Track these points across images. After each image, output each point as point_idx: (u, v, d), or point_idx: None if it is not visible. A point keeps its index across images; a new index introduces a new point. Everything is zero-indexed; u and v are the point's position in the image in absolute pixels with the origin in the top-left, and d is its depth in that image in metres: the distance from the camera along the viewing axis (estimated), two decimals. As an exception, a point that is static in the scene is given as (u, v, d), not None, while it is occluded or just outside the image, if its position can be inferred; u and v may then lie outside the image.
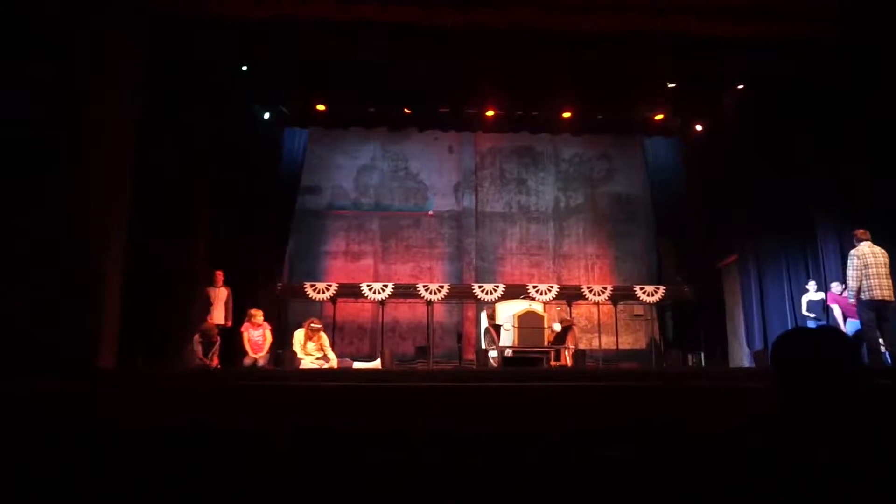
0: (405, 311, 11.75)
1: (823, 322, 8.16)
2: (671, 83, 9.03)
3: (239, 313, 8.72)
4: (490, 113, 9.98)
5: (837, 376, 1.46)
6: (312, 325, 8.40)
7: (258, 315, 8.45)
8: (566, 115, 10.03)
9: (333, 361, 8.41)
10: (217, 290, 8.54)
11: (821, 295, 8.47)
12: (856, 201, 7.98)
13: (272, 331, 8.63)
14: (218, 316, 8.42)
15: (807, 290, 8.50)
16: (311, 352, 8.34)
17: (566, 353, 8.95)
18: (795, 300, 8.72)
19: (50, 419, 2.47)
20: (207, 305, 8.41)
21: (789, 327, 7.35)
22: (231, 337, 8.45)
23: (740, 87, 9.06)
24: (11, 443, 2.21)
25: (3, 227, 5.27)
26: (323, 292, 10.12)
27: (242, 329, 8.40)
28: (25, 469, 2.00)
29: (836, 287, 7.95)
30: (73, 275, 5.55)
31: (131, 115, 6.57)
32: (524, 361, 8.31)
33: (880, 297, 6.49)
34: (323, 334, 8.51)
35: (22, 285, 5.22)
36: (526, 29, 7.40)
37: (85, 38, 5.92)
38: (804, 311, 8.43)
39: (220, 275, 8.57)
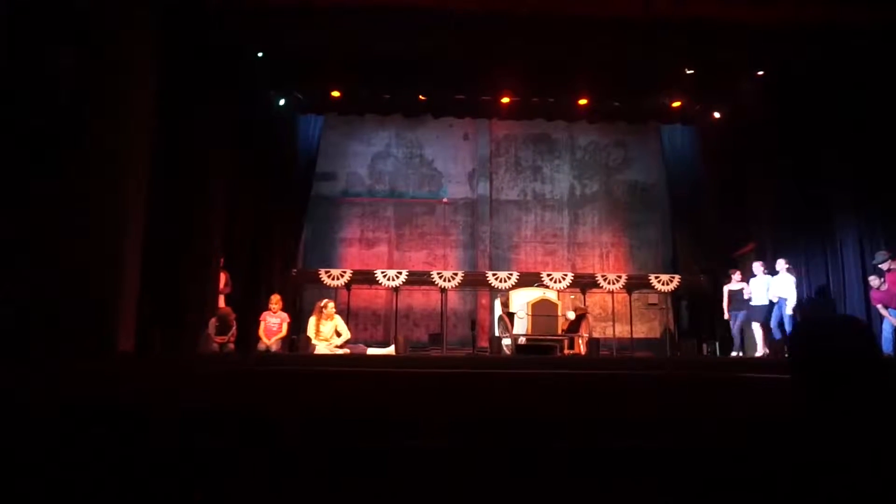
0: (419, 299, 11.78)
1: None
2: (689, 69, 8.90)
3: (254, 299, 8.80)
4: (505, 100, 9.92)
5: (856, 368, 1.43)
6: (321, 305, 8.52)
7: (274, 302, 8.55)
8: (582, 102, 9.94)
9: (346, 335, 8.54)
10: None
11: (742, 286, 8.74)
12: (877, 194, 7.83)
13: (289, 323, 8.67)
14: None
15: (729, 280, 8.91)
16: (326, 336, 8.42)
17: (580, 341, 8.93)
18: (813, 290, 8.63)
19: (69, 400, 2.52)
20: (225, 290, 8.51)
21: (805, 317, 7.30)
22: (244, 322, 8.55)
23: (760, 73, 8.90)
24: (29, 424, 2.26)
25: (19, 219, 5.34)
26: (337, 279, 10.16)
27: (261, 318, 8.54)
28: (40, 453, 2.04)
29: (874, 281, 7.34)
30: (92, 259, 5.63)
31: (148, 103, 6.62)
32: (538, 349, 8.32)
33: None
34: (337, 315, 8.60)
35: (42, 272, 5.30)
36: (542, 14, 7.32)
37: (104, 25, 5.95)
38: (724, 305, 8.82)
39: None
